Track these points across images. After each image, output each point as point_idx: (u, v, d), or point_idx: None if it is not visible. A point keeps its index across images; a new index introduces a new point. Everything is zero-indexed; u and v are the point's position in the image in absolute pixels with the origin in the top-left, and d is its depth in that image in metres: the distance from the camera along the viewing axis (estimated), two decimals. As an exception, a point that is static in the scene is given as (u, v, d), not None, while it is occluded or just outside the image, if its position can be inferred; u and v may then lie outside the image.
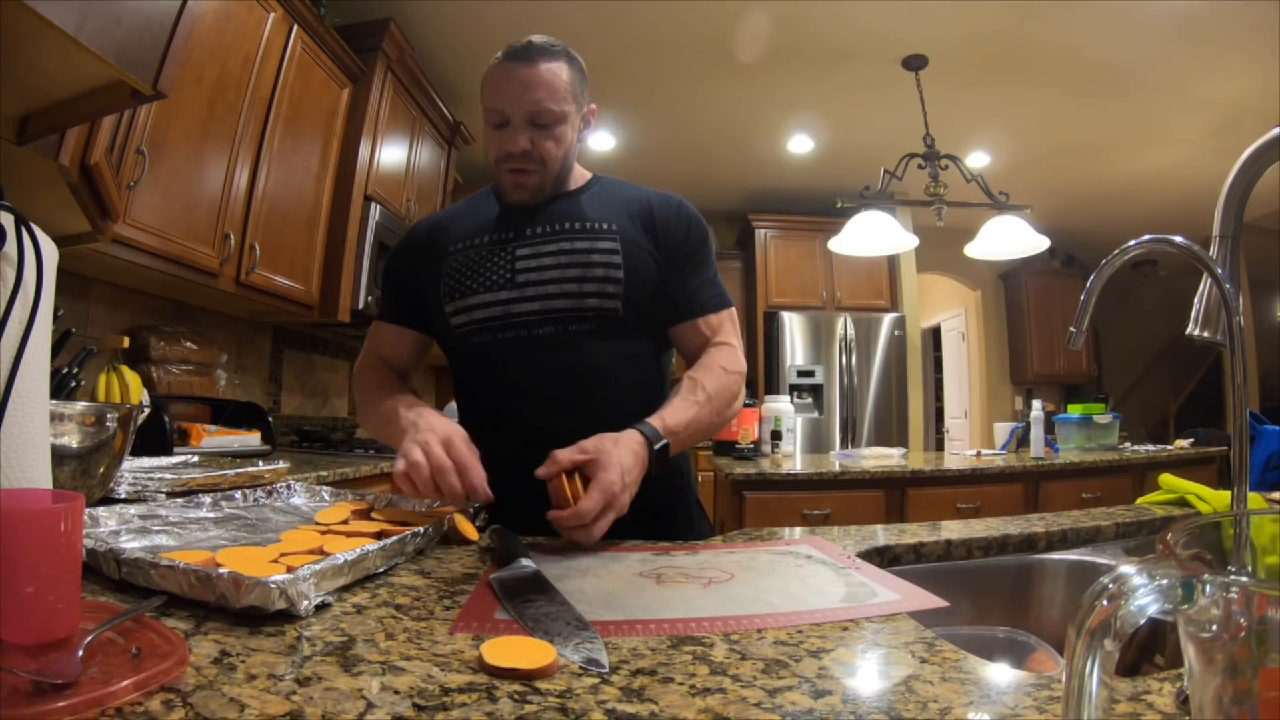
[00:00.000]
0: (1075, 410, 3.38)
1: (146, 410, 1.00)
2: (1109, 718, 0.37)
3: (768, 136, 4.39)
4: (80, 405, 0.87)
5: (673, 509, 1.07)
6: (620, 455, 0.80)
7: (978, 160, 4.45)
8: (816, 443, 4.69)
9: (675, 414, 0.91)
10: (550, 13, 3.02)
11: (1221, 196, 0.70)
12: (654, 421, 0.88)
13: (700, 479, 4.82)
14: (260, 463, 1.41)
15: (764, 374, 4.98)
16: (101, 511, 0.77)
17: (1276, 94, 3.40)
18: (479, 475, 0.80)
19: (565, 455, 0.80)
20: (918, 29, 3.19)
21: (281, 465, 1.37)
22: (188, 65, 1.77)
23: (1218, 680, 0.25)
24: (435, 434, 0.82)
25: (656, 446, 0.85)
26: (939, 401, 6.90)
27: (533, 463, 0.90)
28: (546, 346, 0.98)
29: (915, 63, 3.39)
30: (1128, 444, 3.44)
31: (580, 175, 1.10)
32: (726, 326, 1.06)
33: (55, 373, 1.23)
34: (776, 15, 3.13)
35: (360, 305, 2.70)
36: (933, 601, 0.61)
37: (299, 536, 0.70)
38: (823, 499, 2.33)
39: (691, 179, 4.99)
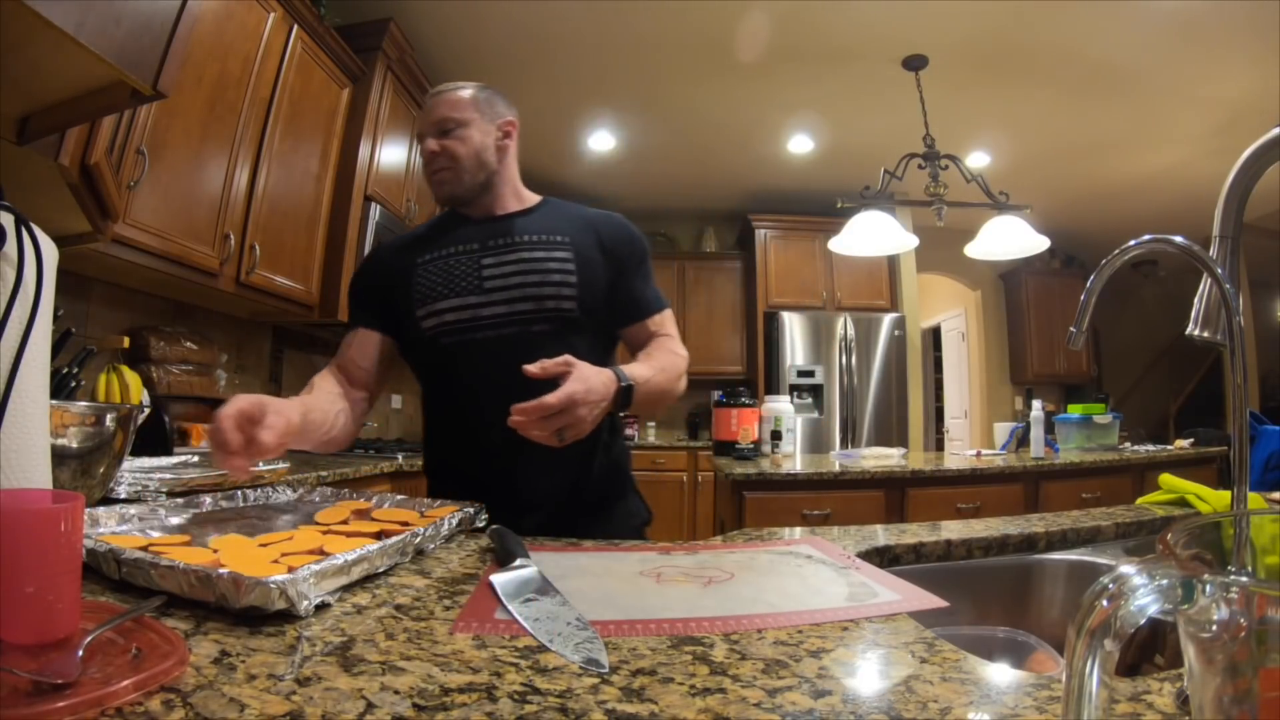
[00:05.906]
0: (1075, 410, 3.37)
1: (146, 410, 1.00)
2: (1109, 718, 0.37)
3: (768, 136, 4.39)
4: (80, 405, 0.87)
5: (612, 499, 1.19)
6: (592, 375, 0.91)
7: (978, 160, 4.45)
8: (816, 443, 4.69)
9: (637, 368, 1.04)
10: (550, 13, 3.02)
11: (1221, 196, 0.70)
12: (621, 368, 1.00)
13: (700, 479, 4.83)
14: (260, 463, 1.41)
15: (764, 374, 4.97)
16: (101, 511, 0.77)
17: (1276, 94, 3.39)
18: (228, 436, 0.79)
19: (549, 363, 0.90)
20: (918, 29, 3.19)
21: (281, 465, 1.38)
22: (188, 65, 1.77)
23: (1218, 680, 0.25)
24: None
25: (623, 384, 0.98)
26: (939, 401, 6.89)
27: (499, 455, 1.06)
28: (511, 346, 1.07)
29: (915, 63, 3.39)
30: (1128, 444, 3.43)
31: (531, 197, 1.24)
32: (668, 323, 1.22)
33: (55, 373, 1.23)
34: (777, 15, 3.13)
35: (360, 305, 2.70)
36: (933, 601, 0.61)
37: (299, 536, 0.70)
38: (823, 499, 2.33)
39: (691, 179, 4.99)
